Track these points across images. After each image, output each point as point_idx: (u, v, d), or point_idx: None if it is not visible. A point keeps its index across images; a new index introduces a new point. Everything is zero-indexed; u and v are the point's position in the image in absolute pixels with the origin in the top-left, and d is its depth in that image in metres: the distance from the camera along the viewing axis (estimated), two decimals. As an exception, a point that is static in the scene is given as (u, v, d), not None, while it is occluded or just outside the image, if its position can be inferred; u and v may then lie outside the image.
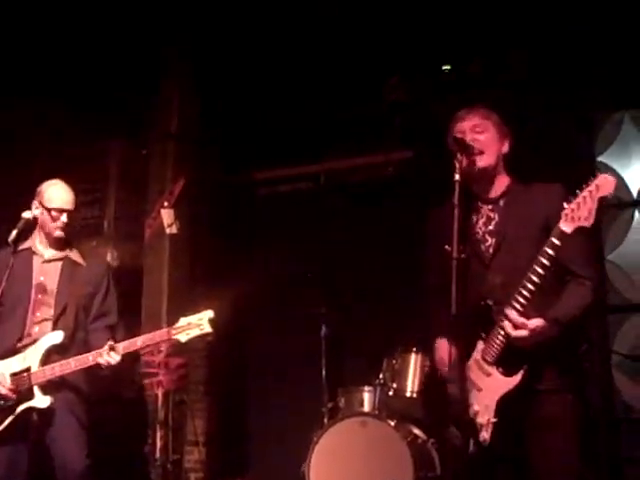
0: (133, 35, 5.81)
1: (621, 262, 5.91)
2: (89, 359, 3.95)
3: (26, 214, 4.14)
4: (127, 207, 6.39)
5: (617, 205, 5.85)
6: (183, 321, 3.94)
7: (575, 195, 3.01)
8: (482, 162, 3.35)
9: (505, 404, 3.16)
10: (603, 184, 2.97)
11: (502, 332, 3.15)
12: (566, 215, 3.01)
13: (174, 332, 3.94)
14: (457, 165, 3.22)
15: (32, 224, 4.22)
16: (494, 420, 3.15)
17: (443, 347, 3.43)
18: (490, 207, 3.40)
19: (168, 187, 6.06)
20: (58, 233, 4.21)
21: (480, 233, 3.38)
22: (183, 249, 6.12)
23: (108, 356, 3.90)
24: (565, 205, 3.01)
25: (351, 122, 6.08)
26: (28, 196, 4.27)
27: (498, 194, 3.41)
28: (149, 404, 5.79)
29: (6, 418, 3.93)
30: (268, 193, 6.66)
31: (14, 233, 4.06)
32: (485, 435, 3.15)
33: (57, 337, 4.03)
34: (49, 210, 4.19)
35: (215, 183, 6.44)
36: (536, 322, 3.09)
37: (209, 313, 3.95)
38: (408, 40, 5.69)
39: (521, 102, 5.39)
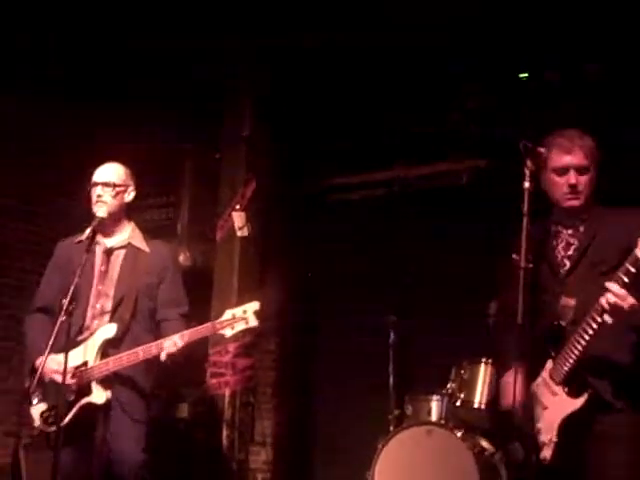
0: (210, 41, 5.87)
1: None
2: (152, 349, 3.83)
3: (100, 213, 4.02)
4: (200, 210, 6.47)
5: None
6: (228, 314, 3.81)
7: None
8: (575, 202, 3.33)
9: (568, 424, 3.14)
10: None
11: (575, 349, 3.11)
12: None
13: (219, 326, 3.80)
14: (527, 172, 3.22)
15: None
16: (555, 440, 3.13)
17: (511, 381, 3.31)
18: (570, 232, 3.39)
19: (240, 190, 6.13)
20: (95, 209, 4.02)
21: (559, 257, 3.37)
22: (254, 252, 6.18)
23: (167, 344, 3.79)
24: None
25: (425, 129, 6.06)
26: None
27: (580, 220, 3.38)
28: (215, 404, 5.85)
29: (67, 414, 3.84)
30: (340, 199, 6.65)
31: (88, 231, 3.94)
32: (546, 454, 3.14)
33: (110, 331, 3.94)
34: (89, 191, 4.08)
35: (287, 188, 6.49)
36: (633, 300, 2.99)
37: (254, 305, 3.79)
38: (485, 48, 5.63)
39: (599, 112, 5.28)
